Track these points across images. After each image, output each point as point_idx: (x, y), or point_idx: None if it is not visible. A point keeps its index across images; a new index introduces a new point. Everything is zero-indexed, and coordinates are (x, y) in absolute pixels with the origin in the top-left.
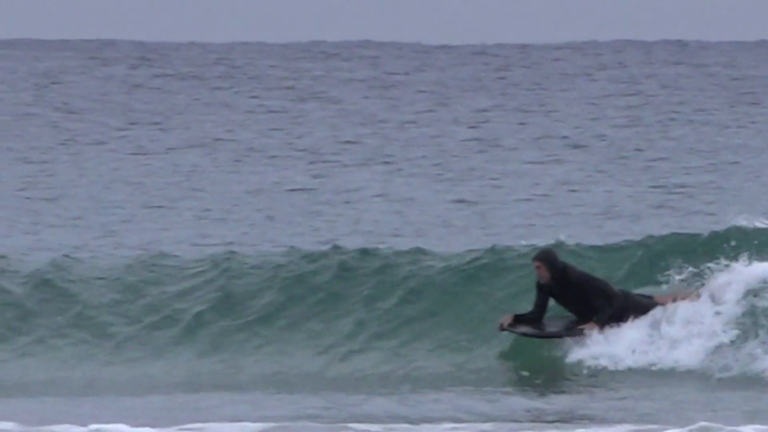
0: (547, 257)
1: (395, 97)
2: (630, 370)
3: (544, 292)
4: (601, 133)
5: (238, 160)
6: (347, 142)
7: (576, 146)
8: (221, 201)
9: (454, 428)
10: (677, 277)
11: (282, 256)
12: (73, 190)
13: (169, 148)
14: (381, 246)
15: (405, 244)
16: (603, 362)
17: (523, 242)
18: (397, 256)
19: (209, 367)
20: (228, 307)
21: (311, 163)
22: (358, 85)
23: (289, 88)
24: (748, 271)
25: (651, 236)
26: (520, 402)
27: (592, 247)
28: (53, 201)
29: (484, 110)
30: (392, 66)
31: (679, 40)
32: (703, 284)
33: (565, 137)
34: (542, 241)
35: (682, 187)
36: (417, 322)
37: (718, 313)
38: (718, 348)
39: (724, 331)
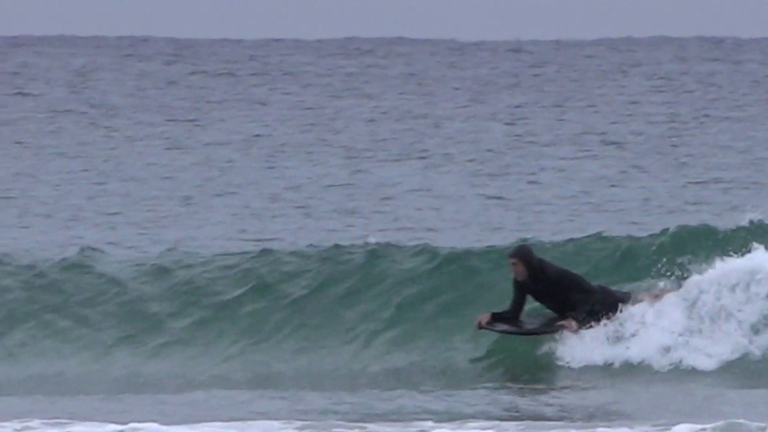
0: (523, 253)
1: (431, 93)
2: (659, 366)
3: (521, 289)
4: (637, 129)
5: (273, 156)
6: (383, 138)
7: (612, 142)
8: (257, 197)
9: (481, 427)
10: (660, 281)
11: (315, 250)
12: (109, 186)
13: (206, 144)
14: (416, 241)
15: (439, 239)
16: (631, 359)
17: (558, 237)
18: (431, 248)
19: (241, 361)
20: (262, 301)
21: (347, 159)
22: (394, 81)
23: (324, 85)
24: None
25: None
26: (548, 399)
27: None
28: (89, 197)
29: (519, 106)
30: (427, 62)
31: (714, 37)
32: (681, 281)
33: (602, 133)
34: (579, 234)
35: (718, 182)
36: (451, 310)
37: (745, 308)
38: (750, 342)
39: (756, 326)
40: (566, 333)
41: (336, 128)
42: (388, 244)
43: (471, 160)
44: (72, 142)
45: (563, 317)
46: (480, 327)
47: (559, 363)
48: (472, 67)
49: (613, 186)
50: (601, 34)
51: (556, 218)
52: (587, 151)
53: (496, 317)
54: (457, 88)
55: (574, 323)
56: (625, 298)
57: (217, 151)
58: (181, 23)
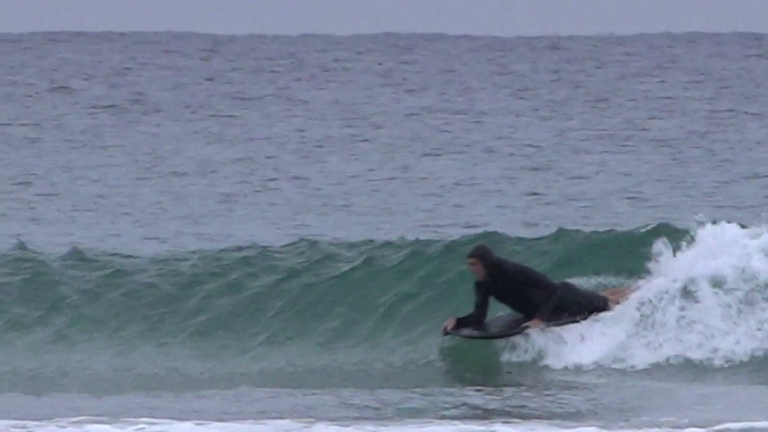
0: (481, 253)
1: (470, 89)
2: (698, 364)
3: (482, 290)
4: (676, 125)
5: (313, 152)
6: (423, 134)
7: (653, 138)
8: (298, 193)
9: (503, 423)
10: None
11: (350, 243)
12: (150, 182)
13: (247, 140)
14: (457, 237)
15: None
16: (667, 357)
17: (588, 229)
18: (468, 240)
19: (272, 358)
20: (295, 292)
21: (387, 154)
22: (433, 77)
23: (364, 80)
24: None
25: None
26: (579, 397)
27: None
28: (130, 194)
29: (559, 102)
30: (465, 59)
31: (752, 33)
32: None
33: (642, 129)
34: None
35: (758, 178)
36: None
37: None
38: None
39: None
40: (533, 332)
41: (376, 123)
42: (417, 240)
43: (511, 155)
44: (112, 137)
45: (529, 318)
46: (445, 333)
47: (600, 361)
48: (510, 63)
49: (658, 181)
50: (639, 30)
51: (597, 212)
52: (627, 146)
53: (461, 322)
54: (496, 84)
55: (540, 322)
56: (593, 295)
57: (257, 146)
58: (218, 19)
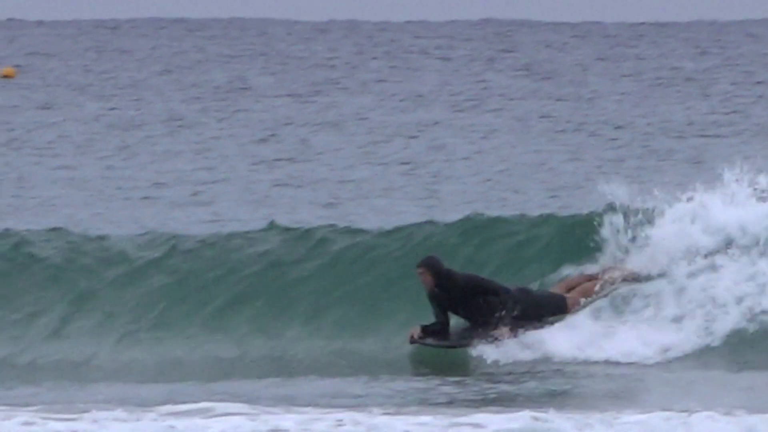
0: (429, 263)
1: (574, 73)
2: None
3: (435, 301)
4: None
5: (419, 136)
6: (528, 117)
7: (758, 123)
8: (413, 176)
9: (531, 418)
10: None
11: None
12: (260, 167)
13: (355, 125)
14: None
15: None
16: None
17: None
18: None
19: (310, 347)
20: (346, 286)
21: (498, 137)
22: (538, 63)
23: (467, 65)
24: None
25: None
26: (645, 383)
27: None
28: (242, 178)
29: (664, 86)
30: (569, 45)
31: None
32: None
33: (748, 116)
34: None
35: None
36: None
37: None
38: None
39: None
40: (505, 340)
41: (484, 108)
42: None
43: (615, 139)
44: (218, 122)
45: (486, 327)
46: (412, 341)
47: (646, 352)
48: (612, 48)
49: None
50: (742, 16)
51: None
52: (732, 131)
53: (426, 330)
54: (599, 70)
55: (504, 330)
56: (553, 296)
57: (364, 131)
58: (318, 7)
